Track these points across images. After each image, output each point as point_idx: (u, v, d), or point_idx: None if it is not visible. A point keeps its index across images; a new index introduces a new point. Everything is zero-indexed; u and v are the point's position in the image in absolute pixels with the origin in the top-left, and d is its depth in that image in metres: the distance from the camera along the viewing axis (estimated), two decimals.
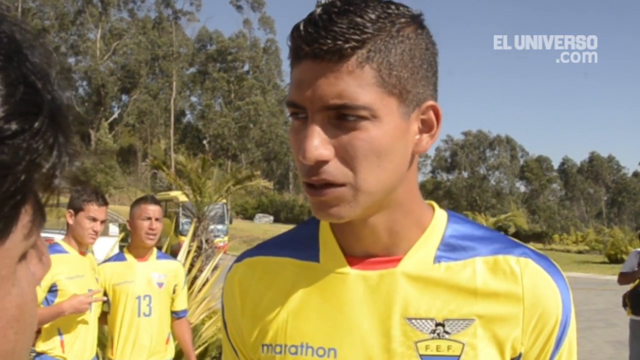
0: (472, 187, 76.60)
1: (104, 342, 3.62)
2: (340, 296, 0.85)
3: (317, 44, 0.74)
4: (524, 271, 0.84)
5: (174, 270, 3.52)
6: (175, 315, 3.54)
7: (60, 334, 3.12)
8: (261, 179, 16.05)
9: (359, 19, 0.74)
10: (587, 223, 70.63)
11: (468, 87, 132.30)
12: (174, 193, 20.37)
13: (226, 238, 21.49)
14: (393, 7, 0.78)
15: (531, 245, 0.90)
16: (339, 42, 0.73)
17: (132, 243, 3.45)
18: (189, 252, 6.13)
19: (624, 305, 5.40)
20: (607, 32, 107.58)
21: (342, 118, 0.75)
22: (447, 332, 0.82)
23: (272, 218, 53.60)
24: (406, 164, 0.81)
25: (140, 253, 3.42)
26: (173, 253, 6.08)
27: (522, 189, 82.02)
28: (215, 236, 16.11)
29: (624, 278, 5.41)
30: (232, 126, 66.96)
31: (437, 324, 0.82)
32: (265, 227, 43.19)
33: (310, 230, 0.92)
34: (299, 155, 0.77)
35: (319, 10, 0.76)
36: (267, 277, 0.92)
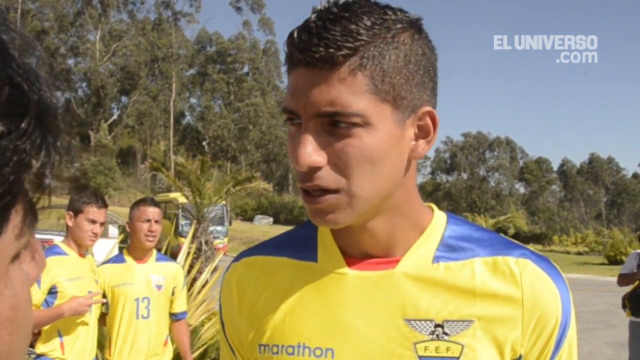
0: (471, 188, 76.59)
1: (103, 344, 3.62)
2: (338, 296, 0.85)
3: (310, 51, 0.74)
4: (523, 272, 0.84)
5: (173, 272, 3.52)
6: (174, 317, 3.53)
7: (60, 335, 3.12)
8: (261, 180, 16.02)
9: (353, 26, 0.74)
10: (587, 224, 70.60)
11: (468, 88, 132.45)
12: (173, 194, 20.36)
13: (226, 239, 21.48)
14: (390, 12, 0.78)
15: (531, 247, 0.90)
16: (331, 50, 0.74)
17: (131, 245, 3.45)
18: (188, 253, 6.13)
19: (624, 306, 5.40)
20: (607, 32, 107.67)
21: (335, 125, 0.76)
22: (446, 334, 0.82)
23: (271, 219, 53.57)
24: (402, 170, 0.81)
25: (140, 255, 3.42)
26: (173, 254, 6.08)
27: (522, 190, 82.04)
28: (215, 238, 16.08)
29: (623, 279, 5.41)
30: (231, 128, 66.96)
31: (437, 325, 0.82)
32: (265, 229, 43.18)
33: (308, 231, 0.92)
34: (293, 161, 0.78)
35: (313, 17, 0.76)
36: (265, 276, 0.92)
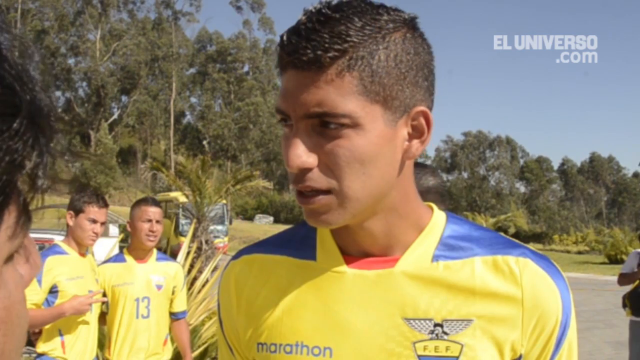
0: (472, 187, 76.56)
1: (103, 343, 3.62)
2: (337, 295, 0.85)
3: (298, 54, 0.75)
4: (523, 272, 0.83)
5: (173, 272, 3.52)
6: (174, 317, 3.54)
7: (61, 334, 3.13)
8: (261, 179, 16.02)
9: (342, 27, 0.74)
10: (587, 223, 70.59)
11: (468, 88, 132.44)
12: (173, 194, 20.36)
13: (226, 239, 21.48)
14: (383, 12, 0.78)
15: (531, 246, 0.90)
16: (319, 52, 0.74)
17: (132, 244, 3.45)
18: (188, 252, 6.13)
19: (624, 306, 5.39)
20: (607, 32, 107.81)
21: (325, 126, 0.76)
22: (445, 333, 0.81)
23: (272, 219, 53.58)
24: (395, 170, 0.81)
25: (140, 255, 3.43)
26: (173, 254, 6.08)
27: (522, 189, 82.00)
28: (215, 237, 16.09)
29: (623, 279, 5.40)
30: (231, 127, 66.91)
31: (436, 325, 0.82)
32: (265, 228, 43.17)
33: (308, 230, 0.92)
34: (285, 162, 0.78)
35: (303, 18, 0.76)
36: (263, 274, 0.91)
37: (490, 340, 0.81)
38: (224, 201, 18.19)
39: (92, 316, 3.24)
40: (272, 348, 0.87)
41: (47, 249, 3.29)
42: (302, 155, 0.77)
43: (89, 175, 49.58)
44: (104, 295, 3.33)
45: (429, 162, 78.03)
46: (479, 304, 0.82)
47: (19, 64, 0.38)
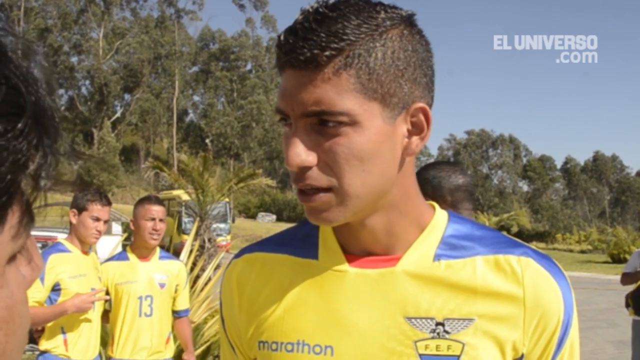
0: (474, 186, 76.46)
1: (106, 341, 3.63)
2: (338, 294, 0.85)
3: (295, 53, 0.75)
4: (525, 271, 0.83)
5: (176, 270, 3.53)
6: (177, 315, 3.54)
7: (63, 332, 3.13)
8: (264, 177, 16.01)
9: (339, 26, 0.74)
10: (590, 222, 70.40)
11: (471, 87, 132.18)
12: (176, 192, 20.37)
13: (229, 237, 21.50)
14: (381, 9, 0.78)
15: (534, 245, 0.90)
16: (316, 51, 0.74)
17: (135, 243, 3.46)
18: (191, 251, 6.14)
19: (627, 305, 5.39)
20: (607, 32, 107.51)
21: (323, 124, 0.77)
22: (447, 332, 0.81)
23: (274, 217, 53.56)
24: (395, 167, 0.81)
25: (143, 253, 3.43)
26: (176, 252, 6.10)
27: (525, 188, 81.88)
28: (218, 235, 16.10)
29: (626, 278, 5.39)
30: (234, 125, 66.92)
31: (437, 324, 0.82)
32: (268, 226, 43.16)
33: (310, 229, 0.92)
34: (285, 161, 0.79)
35: (300, 17, 0.77)
36: (265, 273, 0.92)
37: (491, 340, 0.81)
38: (227, 199, 18.22)
39: (95, 314, 3.24)
40: (274, 346, 0.87)
41: (50, 247, 3.29)
42: (301, 153, 0.77)
43: (92, 173, 49.65)
44: (107, 293, 3.34)
45: (431, 161, 77.81)
46: (481, 303, 0.82)
47: (24, 66, 0.38)
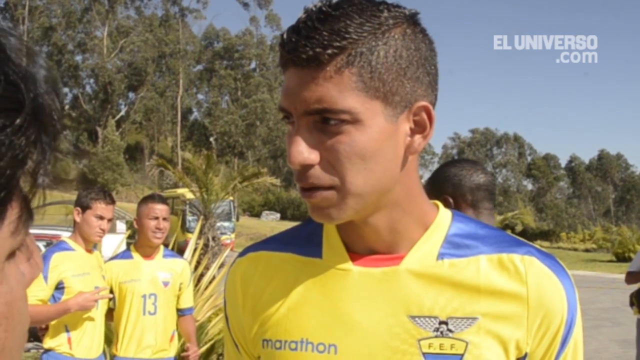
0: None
1: (111, 339, 3.64)
2: (342, 292, 0.85)
3: (297, 52, 0.75)
4: (529, 270, 0.83)
5: (180, 268, 3.53)
6: (181, 313, 3.55)
7: (67, 330, 3.14)
8: (268, 176, 16.01)
9: (341, 25, 0.75)
10: (595, 221, 70.27)
11: (475, 86, 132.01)
12: (180, 190, 20.41)
13: (233, 235, 21.55)
14: (384, 8, 0.78)
15: (538, 244, 0.90)
16: (318, 50, 0.74)
17: (138, 241, 3.46)
18: (195, 249, 6.15)
19: (631, 304, 5.37)
20: (607, 32, 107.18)
21: (326, 122, 0.77)
22: (450, 331, 0.81)
23: (278, 215, 53.58)
24: (398, 166, 0.81)
25: (147, 251, 3.44)
26: (180, 250, 6.10)
27: (530, 186, 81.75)
28: (222, 233, 16.14)
29: (631, 277, 5.38)
30: (238, 123, 66.98)
31: (441, 322, 0.82)
32: (272, 225, 43.17)
33: (314, 227, 0.92)
34: (287, 159, 0.79)
35: (303, 16, 0.77)
36: (269, 272, 0.92)
37: (495, 339, 0.81)
38: (231, 198, 18.22)
39: (98, 312, 3.25)
40: (277, 345, 0.87)
41: (53, 245, 3.30)
42: (303, 152, 0.77)
43: (96, 171, 49.76)
44: (111, 291, 3.35)
45: (436, 159, 78.09)
46: (484, 302, 0.82)
47: (24, 65, 0.38)
